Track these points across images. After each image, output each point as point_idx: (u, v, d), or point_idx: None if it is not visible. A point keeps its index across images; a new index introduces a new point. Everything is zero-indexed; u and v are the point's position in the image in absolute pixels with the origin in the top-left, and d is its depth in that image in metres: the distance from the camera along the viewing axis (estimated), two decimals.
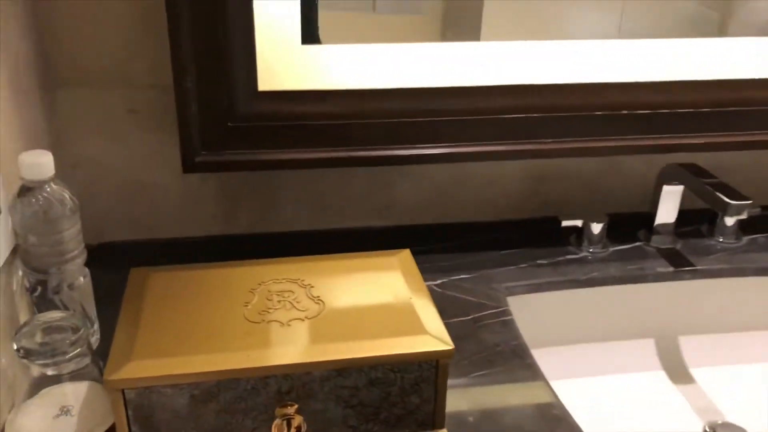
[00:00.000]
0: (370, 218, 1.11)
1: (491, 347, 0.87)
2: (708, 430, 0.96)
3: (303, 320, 0.72)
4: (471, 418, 0.77)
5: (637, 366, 1.05)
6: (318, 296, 0.75)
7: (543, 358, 0.89)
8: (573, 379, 1.00)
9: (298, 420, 0.67)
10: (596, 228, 1.07)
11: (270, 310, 0.73)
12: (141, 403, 0.65)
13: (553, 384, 0.83)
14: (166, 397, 0.66)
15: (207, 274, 0.80)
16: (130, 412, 0.66)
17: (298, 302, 0.74)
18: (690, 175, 1.02)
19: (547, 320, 1.02)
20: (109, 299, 0.82)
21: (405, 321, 0.72)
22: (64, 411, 0.75)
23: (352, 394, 0.69)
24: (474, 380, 0.82)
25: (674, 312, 1.07)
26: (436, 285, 0.99)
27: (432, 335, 0.70)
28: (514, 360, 0.85)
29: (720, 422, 0.96)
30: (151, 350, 0.67)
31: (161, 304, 0.74)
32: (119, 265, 1.01)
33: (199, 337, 0.69)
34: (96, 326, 0.85)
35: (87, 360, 0.74)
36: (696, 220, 1.15)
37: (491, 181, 1.12)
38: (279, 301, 0.74)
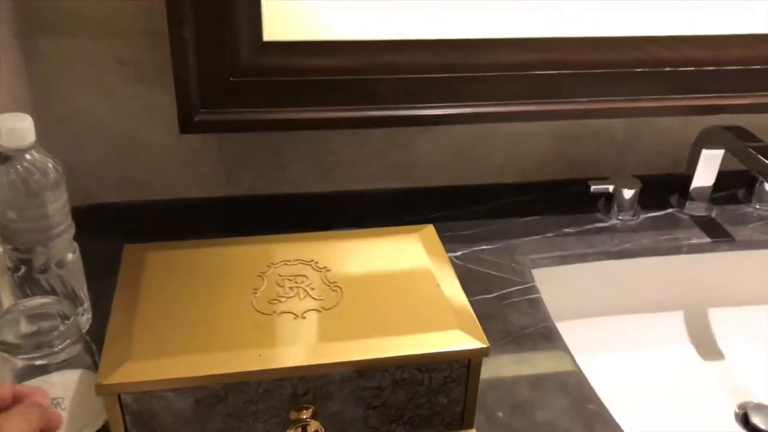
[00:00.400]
0: (384, 180, 1.03)
1: (518, 330, 0.80)
2: (738, 411, 0.91)
3: (319, 311, 0.64)
4: (500, 413, 0.70)
5: (666, 341, 0.99)
6: (335, 282, 0.68)
7: (569, 331, 0.82)
8: (600, 353, 0.93)
9: (314, 426, 0.60)
10: (628, 194, 0.99)
11: (282, 299, 0.65)
12: (140, 408, 0.58)
13: (579, 359, 0.77)
14: (168, 402, 0.59)
15: (210, 253, 0.72)
16: (127, 418, 0.59)
17: (312, 289, 0.67)
18: (733, 138, 0.94)
19: (574, 293, 0.95)
20: (101, 272, 0.75)
21: (434, 313, 0.64)
22: (54, 404, 0.68)
23: (375, 395, 0.62)
24: (502, 368, 0.75)
25: (708, 284, 1.00)
26: (456, 257, 0.91)
27: (464, 331, 0.63)
28: (544, 345, 0.79)
29: (753, 404, 0.91)
30: (150, 348, 0.60)
31: (159, 291, 0.66)
32: (111, 230, 0.94)
33: (203, 331, 0.61)
34: (87, 305, 0.78)
35: (78, 347, 0.67)
36: (731, 184, 1.06)
37: (516, 139, 1.04)
38: (291, 288, 0.67)
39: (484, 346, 0.62)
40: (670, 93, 0.91)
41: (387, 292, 0.67)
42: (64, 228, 0.71)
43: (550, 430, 0.68)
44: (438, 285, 0.68)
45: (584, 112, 0.90)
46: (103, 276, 0.75)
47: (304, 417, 0.61)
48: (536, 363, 0.76)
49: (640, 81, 0.90)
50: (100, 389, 0.57)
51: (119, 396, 0.58)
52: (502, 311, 0.83)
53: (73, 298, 0.75)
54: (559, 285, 0.92)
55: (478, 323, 0.64)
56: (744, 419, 0.89)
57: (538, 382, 0.74)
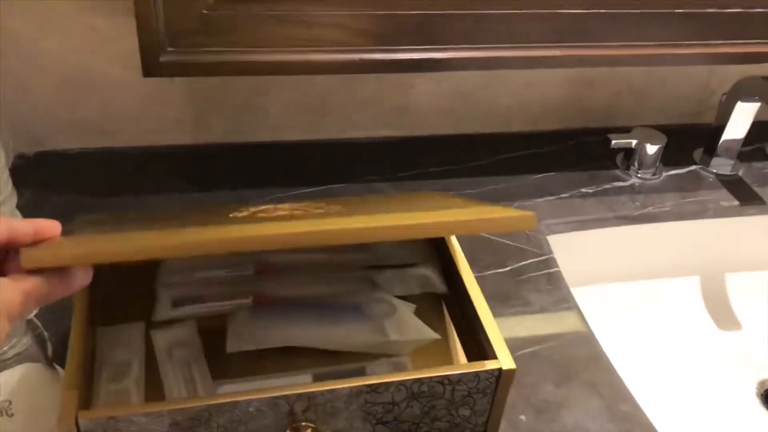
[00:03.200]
0: (379, 127, 0.91)
1: (537, 312, 0.71)
2: (759, 388, 0.84)
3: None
4: (523, 417, 0.61)
5: (684, 306, 0.91)
6: None
7: (584, 297, 0.75)
8: (615, 320, 0.85)
9: None
10: (651, 149, 0.89)
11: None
12: None
13: (596, 326, 0.70)
14: (139, 427, 0.48)
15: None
16: None
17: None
18: None
19: (590, 258, 0.86)
20: None
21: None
22: (1, 410, 0.57)
23: (387, 410, 0.53)
24: (521, 361, 0.65)
25: (730, 249, 0.92)
26: None
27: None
28: (567, 330, 0.69)
29: None
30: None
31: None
32: (62, 183, 0.80)
33: None
34: None
35: (26, 341, 0.55)
36: (757, 137, 0.97)
37: (524, 84, 0.92)
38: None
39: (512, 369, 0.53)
40: (713, 38, 0.79)
41: None
42: (4, 197, 0.58)
43: None
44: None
45: (615, 58, 0.78)
46: None
47: None
48: (561, 354, 0.67)
49: (679, 23, 0.78)
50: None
51: (76, 419, 0.47)
52: (518, 289, 0.73)
53: None
54: (575, 250, 0.83)
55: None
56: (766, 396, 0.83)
57: (563, 376, 0.65)
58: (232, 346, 0.54)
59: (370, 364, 0.56)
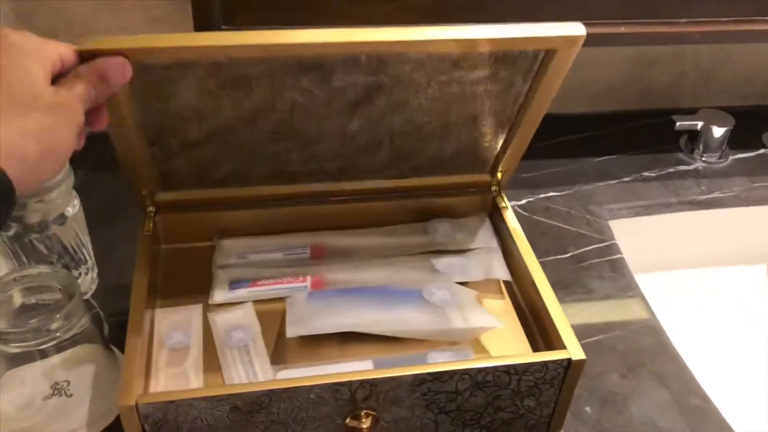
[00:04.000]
0: None
1: (601, 300, 0.68)
2: None
3: None
4: (588, 408, 0.59)
5: (753, 296, 0.87)
6: None
7: (648, 284, 0.72)
8: (680, 308, 0.82)
9: None
10: (717, 132, 0.85)
11: None
12: (163, 418, 0.47)
13: (659, 313, 0.67)
14: (199, 412, 0.47)
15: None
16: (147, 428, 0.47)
17: None
18: None
19: (653, 244, 0.82)
20: (104, 216, 0.64)
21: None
22: (57, 390, 0.57)
23: (450, 399, 0.51)
24: (585, 350, 0.63)
25: None
26: (520, 206, 0.78)
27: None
28: (633, 320, 0.67)
29: None
30: None
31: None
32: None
33: None
34: (91, 262, 0.65)
35: (84, 321, 0.55)
36: None
37: (583, 62, 0.88)
38: None
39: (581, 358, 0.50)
40: None
41: None
42: (62, 177, 0.58)
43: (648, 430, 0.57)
44: None
45: (683, 35, 0.75)
46: (106, 222, 0.63)
47: (364, 427, 0.49)
48: (628, 346, 0.64)
49: None
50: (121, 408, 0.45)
51: (136, 403, 0.46)
52: (580, 276, 0.70)
53: (75, 260, 0.62)
54: (638, 236, 0.79)
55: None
56: None
57: (629, 366, 0.62)
58: (292, 331, 0.52)
59: (432, 352, 0.54)
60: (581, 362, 0.51)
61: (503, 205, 0.64)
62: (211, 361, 0.53)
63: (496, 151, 0.62)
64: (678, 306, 0.82)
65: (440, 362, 0.49)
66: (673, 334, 0.66)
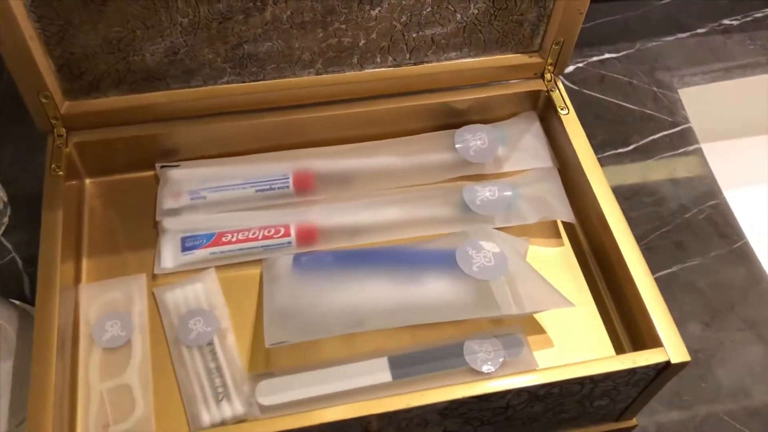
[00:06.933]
0: None
1: (674, 215, 0.52)
2: None
3: None
4: None
5: None
6: None
7: (720, 154, 0.58)
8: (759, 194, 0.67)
9: None
10: None
11: None
12: None
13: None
14: None
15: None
16: None
17: None
18: None
19: (731, 111, 0.65)
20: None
21: None
22: None
23: (498, 413, 0.37)
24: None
25: None
26: (567, 75, 0.59)
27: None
28: (716, 244, 0.51)
29: None
30: None
31: None
32: None
33: None
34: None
35: None
36: None
37: None
38: None
39: (685, 360, 0.35)
40: None
41: None
42: None
43: (736, 405, 0.44)
44: None
45: None
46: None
47: None
48: (709, 281, 0.49)
49: None
50: None
51: None
52: (646, 179, 0.54)
53: None
54: (712, 104, 0.62)
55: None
56: None
57: (713, 311, 0.48)
58: (272, 336, 0.37)
59: (470, 342, 0.38)
60: (682, 365, 0.36)
61: (561, 106, 0.45)
62: (163, 365, 0.38)
63: (547, 16, 0.43)
64: (758, 191, 0.66)
65: (488, 379, 0.34)
66: (753, 238, 0.51)
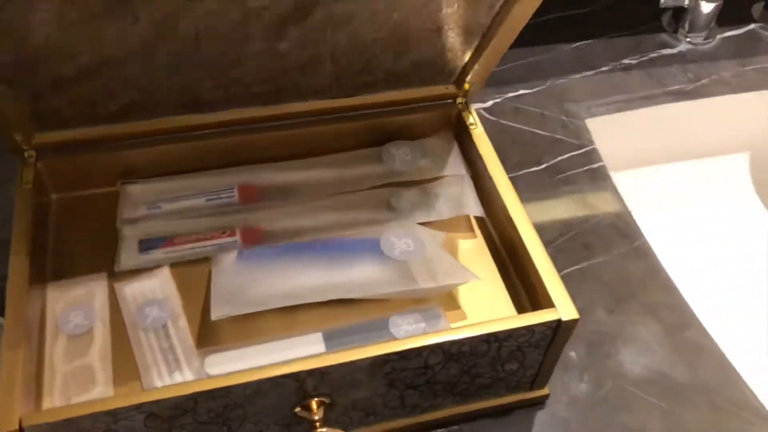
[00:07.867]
0: None
1: (582, 224, 0.59)
2: None
3: None
4: (573, 353, 0.51)
5: (732, 186, 0.79)
6: None
7: (625, 183, 0.64)
8: (661, 207, 0.74)
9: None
10: (707, 8, 0.74)
11: None
12: None
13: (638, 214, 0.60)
14: (107, 425, 0.37)
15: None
16: None
17: None
18: None
19: (633, 140, 0.73)
20: None
21: None
22: None
23: (419, 374, 0.42)
24: (566, 281, 0.55)
25: None
26: (486, 109, 0.67)
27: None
28: (618, 244, 0.58)
29: None
30: None
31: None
32: None
33: None
34: None
35: None
36: None
37: None
38: None
39: (575, 317, 0.42)
40: None
41: None
42: None
43: (637, 377, 0.50)
44: None
45: None
46: None
47: (315, 418, 0.41)
48: (612, 274, 0.56)
49: None
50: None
51: (20, 425, 0.36)
52: (557, 192, 0.61)
53: None
54: (617, 133, 0.70)
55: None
56: None
57: (618, 302, 0.54)
58: (218, 310, 0.42)
59: (394, 316, 0.44)
60: (573, 323, 0.42)
61: (471, 122, 0.53)
62: (122, 347, 0.43)
63: (464, 62, 0.50)
64: (658, 202, 0.73)
65: (404, 339, 0.40)
66: (654, 240, 0.58)
